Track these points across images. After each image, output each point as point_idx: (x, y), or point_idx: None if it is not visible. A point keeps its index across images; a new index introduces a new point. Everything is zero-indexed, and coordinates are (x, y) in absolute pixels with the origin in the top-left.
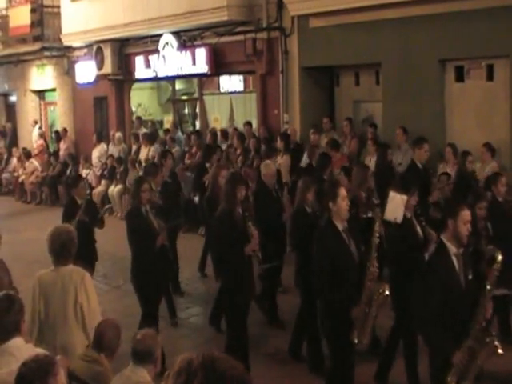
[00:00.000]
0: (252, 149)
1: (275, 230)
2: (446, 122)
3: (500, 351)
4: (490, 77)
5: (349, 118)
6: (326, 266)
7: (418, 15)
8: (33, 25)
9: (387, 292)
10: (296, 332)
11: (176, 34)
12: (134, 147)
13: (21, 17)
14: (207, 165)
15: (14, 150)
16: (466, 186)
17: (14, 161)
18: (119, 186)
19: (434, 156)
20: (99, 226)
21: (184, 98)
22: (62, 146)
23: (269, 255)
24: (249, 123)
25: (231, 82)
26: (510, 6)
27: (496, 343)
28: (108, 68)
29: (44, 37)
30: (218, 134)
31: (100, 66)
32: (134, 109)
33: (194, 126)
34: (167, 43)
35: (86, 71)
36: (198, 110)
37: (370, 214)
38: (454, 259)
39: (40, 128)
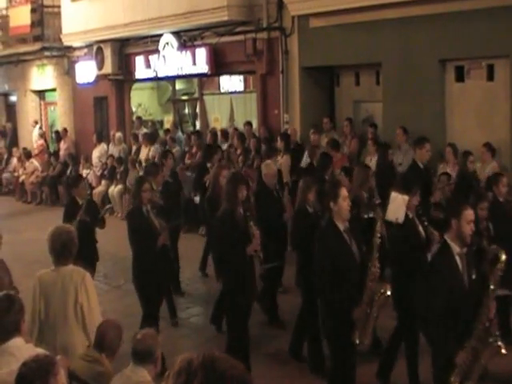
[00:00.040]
0: (252, 149)
1: (276, 230)
2: (446, 122)
3: (503, 351)
4: (490, 77)
5: (349, 118)
6: (327, 266)
7: (418, 15)
8: (33, 25)
9: (388, 292)
10: (296, 332)
11: (176, 34)
12: (134, 147)
13: (21, 17)
14: (208, 165)
15: (14, 150)
16: (467, 186)
17: (15, 161)
18: (119, 186)
19: (434, 156)
20: (100, 226)
21: (184, 98)
22: (62, 146)
23: (270, 255)
24: (249, 123)
25: (231, 82)
26: (510, 6)
27: (499, 343)
28: (108, 68)
29: (44, 37)
30: (219, 134)
31: (100, 66)
32: (134, 109)
33: (195, 126)
34: (167, 43)
35: (86, 71)
36: (198, 110)
37: (371, 215)
38: (458, 259)
39: (40, 128)
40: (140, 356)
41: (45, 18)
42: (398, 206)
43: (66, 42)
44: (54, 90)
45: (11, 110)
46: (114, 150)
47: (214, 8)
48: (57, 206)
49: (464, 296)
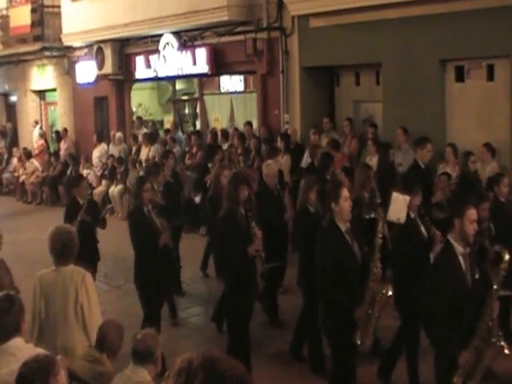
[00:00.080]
0: (253, 149)
1: (277, 230)
2: (446, 122)
3: (506, 351)
4: (490, 77)
5: (349, 118)
6: (328, 267)
7: (418, 15)
8: (33, 25)
9: (390, 293)
10: (297, 332)
11: (176, 34)
12: (134, 148)
13: (21, 17)
14: (209, 165)
15: (14, 150)
16: (469, 187)
17: (15, 161)
18: (120, 186)
19: (435, 156)
20: (101, 226)
21: (184, 98)
22: (63, 146)
23: (271, 255)
24: (249, 123)
25: (232, 82)
26: (511, 6)
27: (502, 343)
28: (108, 68)
29: (44, 37)
30: (219, 134)
31: (100, 66)
32: (134, 109)
33: (195, 126)
34: (168, 43)
35: (86, 71)
36: (198, 110)
37: (372, 215)
38: (461, 259)
39: (41, 128)
40: (140, 356)
41: (45, 18)
42: (399, 206)
43: (66, 42)
44: (54, 90)
45: (11, 110)
46: (115, 150)
47: (214, 8)
48: (57, 206)
49: (467, 296)
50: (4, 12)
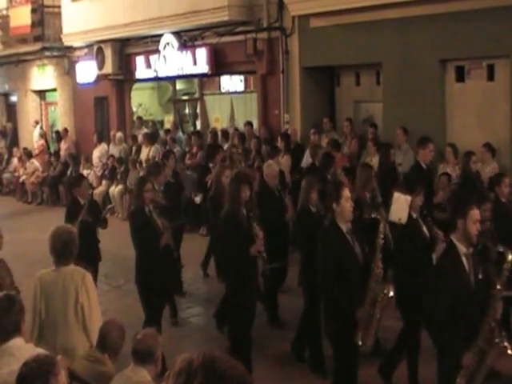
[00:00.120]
0: (253, 149)
1: (278, 230)
2: (446, 122)
3: (510, 352)
4: (490, 77)
5: (349, 119)
6: (330, 267)
7: (418, 15)
8: (33, 25)
9: (391, 293)
10: (299, 333)
11: (177, 34)
12: (134, 148)
13: (21, 17)
14: (210, 165)
15: (14, 150)
16: (470, 187)
17: (15, 161)
18: (120, 186)
19: (435, 156)
20: (103, 226)
21: (185, 98)
22: (63, 146)
23: (272, 255)
24: (249, 123)
25: (232, 82)
26: (511, 6)
27: (505, 344)
28: (109, 68)
29: (44, 37)
30: (219, 134)
31: (101, 66)
32: (134, 109)
33: (195, 126)
34: (168, 43)
35: (86, 71)
36: (198, 110)
37: (374, 215)
38: (464, 259)
39: (41, 128)
40: (140, 356)
41: (45, 18)
42: (400, 206)
43: (67, 42)
44: (54, 90)
45: (12, 110)
46: (115, 150)
47: (215, 8)
48: (57, 206)
49: (470, 296)
50: (4, 12)
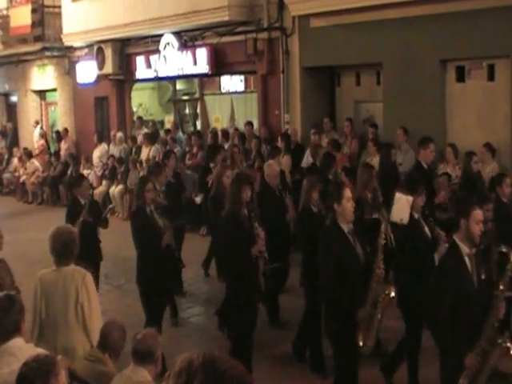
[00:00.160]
0: (254, 149)
1: (279, 230)
2: (446, 122)
3: None
4: (490, 77)
5: (349, 119)
6: (331, 267)
7: (419, 15)
8: (33, 25)
9: (393, 294)
10: (300, 333)
11: (177, 34)
12: (133, 149)
13: (21, 17)
14: (211, 165)
15: (15, 150)
16: (472, 187)
17: (15, 161)
18: (120, 186)
19: (435, 156)
20: (103, 226)
21: (185, 98)
22: (63, 146)
23: (273, 256)
24: (250, 123)
25: (232, 82)
26: (511, 6)
27: (508, 344)
28: (109, 68)
29: (45, 37)
30: (219, 134)
31: (101, 66)
32: (134, 109)
33: (195, 126)
34: (168, 43)
35: (86, 71)
36: (198, 110)
37: (376, 215)
38: (467, 259)
39: (41, 128)
40: (140, 356)
41: (45, 18)
42: (402, 206)
43: (67, 42)
44: (54, 90)
45: (12, 110)
46: (115, 150)
47: (215, 8)
48: (58, 206)
49: (473, 296)
50: (4, 12)
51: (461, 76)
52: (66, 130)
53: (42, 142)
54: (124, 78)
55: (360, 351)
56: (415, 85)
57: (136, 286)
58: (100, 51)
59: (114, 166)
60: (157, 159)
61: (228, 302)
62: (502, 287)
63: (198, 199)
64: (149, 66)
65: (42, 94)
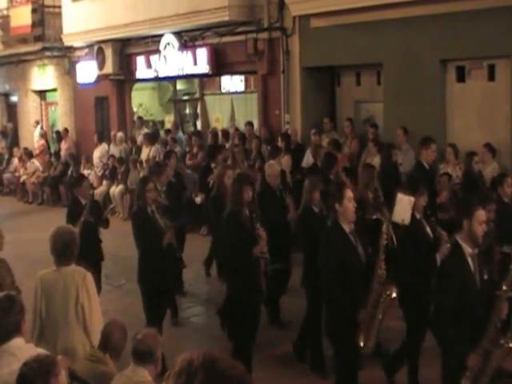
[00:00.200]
0: (254, 149)
1: (280, 230)
2: (446, 122)
3: None
4: (491, 77)
5: (350, 119)
6: (332, 267)
7: (419, 15)
8: (34, 25)
9: (394, 294)
10: (302, 333)
11: (177, 34)
12: (133, 149)
13: (22, 17)
14: (212, 165)
15: (15, 150)
16: (473, 187)
17: (16, 161)
18: (120, 187)
19: (435, 156)
20: (104, 227)
21: (185, 98)
22: (63, 146)
23: (274, 256)
24: (250, 123)
25: (232, 82)
26: (511, 6)
27: (511, 345)
28: (109, 68)
29: (45, 37)
30: (219, 134)
31: (101, 66)
32: (135, 109)
33: (195, 126)
34: (168, 43)
35: (87, 71)
36: (199, 110)
37: (377, 216)
38: (470, 260)
39: (41, 128)
40: (140, 356)
41: (45, 18)
42: (404, 207)
43: (67, 42)
44: (54, 90)
45: (12, 110)
46: (115, 150)
47: (215, 8)
48: (58, 206)
49: (476, 297)
50: (4, 12)
51: (461, 76)
52: (66, 130)
53: (43, 142)
54: (124, 78)
55: (360, 351)
56: (415, 85)
57: (136, 286)
58: (100, 51)
59: (115, 166)
60: (157, 159)
61: (229, 302)
62: (504, 287)
63: (199, 199)
64: (149, 66)
65: (42, 94)
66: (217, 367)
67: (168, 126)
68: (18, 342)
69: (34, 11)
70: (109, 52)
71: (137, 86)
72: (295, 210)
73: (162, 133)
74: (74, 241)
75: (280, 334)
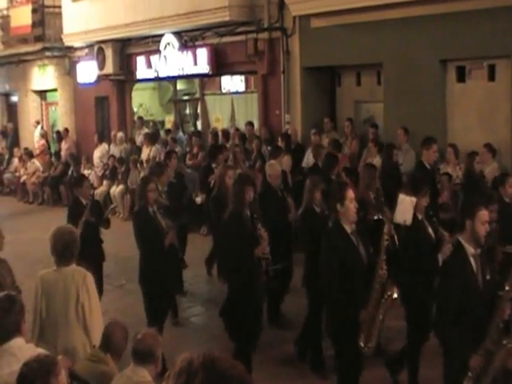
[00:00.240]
0: (255, 150)
1: (281, 230)
2: (447, 122)
3: None
4: (491, 77)
5: (350, 119)
6: (334, 267)
7: (419, 15)
8: (34, 25)
9: (395, 295)
10: (304, 333)
11: (177, 34)
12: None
13: (22, 17)
14: (213, 165)
15: (15, 150)
16: (474, 187)
17: (16, 161)
18: (121, 187)
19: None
20: (105, 227)
21: (185, 98)
22: (64, 146)
23: (275, 256)
24: (250, 123)
25: (233, 83)
26: (511, 6)
27: None
28: (109, 68)
29: (45, 37)
30: (220, 134)
31: (101, 66)
32: (135, 109)
33: (196, 126)
34: (168, 43)
35: (87, 71)
36: (199, 110)
37: (379, 216)
38: (472, 260)
39: (42, 128)
40: (140, 356)
41: (46, 18)
42: (405, 207)
43: (67, 42)
44: (55, 90)
45: (12, 110)
46: (116, 150)
47: (216, 8)
48: (58, 206)
49: (478, 297)
50: (5, 12)
51: (461, 76)
52: (66, 130)
53: (43, 142)
54: (124, 78)
55: (361, 352)
56: (416, 85)
57: (137, 287)
58: (100, 51)
59: (115, 166)
60: (157, 159)
61: (230, 302)
62: (507, 288)
63: (199, 199)
64: (149, 66)
65: (42, 94)
66: (217, 367)
67: (168, 126)
68: (18, 342)
69: (34, 11)
70: (109, 52)
71: (137, 86)
72: (296, 210)
73: (162, 133)
74: (75, 241)
75: (280, 334)
